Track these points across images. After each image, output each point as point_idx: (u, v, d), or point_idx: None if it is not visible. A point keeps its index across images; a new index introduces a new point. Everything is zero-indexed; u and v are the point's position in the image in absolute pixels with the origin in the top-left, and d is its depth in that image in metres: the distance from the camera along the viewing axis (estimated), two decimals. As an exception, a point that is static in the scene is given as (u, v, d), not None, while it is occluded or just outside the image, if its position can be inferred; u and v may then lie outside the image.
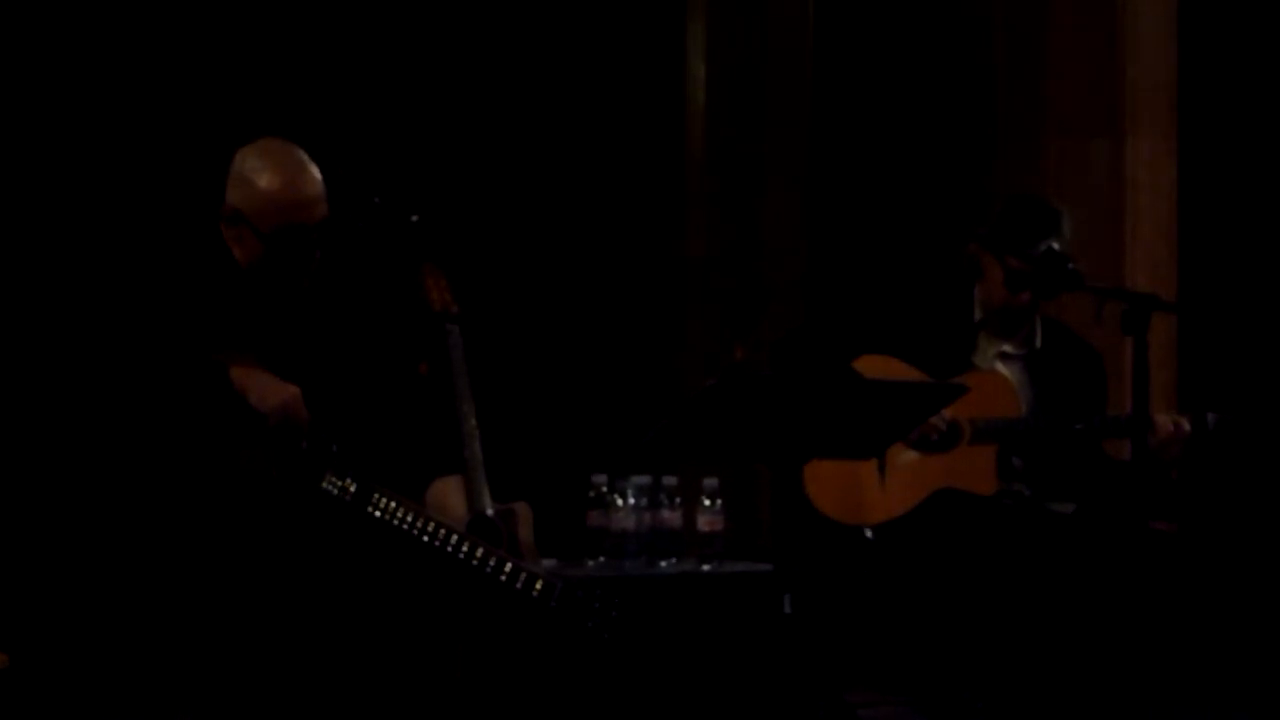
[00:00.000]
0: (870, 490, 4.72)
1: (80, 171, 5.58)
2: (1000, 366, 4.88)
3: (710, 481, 4.72)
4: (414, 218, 4.03)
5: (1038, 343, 4.91)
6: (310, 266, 4.00)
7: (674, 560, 4.65)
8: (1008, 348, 4.90)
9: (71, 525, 3.82)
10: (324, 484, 3.83)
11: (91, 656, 3.82)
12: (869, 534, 4.74)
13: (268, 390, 3.82)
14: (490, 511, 4.34)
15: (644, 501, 4.66)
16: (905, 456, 4.70)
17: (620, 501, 4.65)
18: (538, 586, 3.85)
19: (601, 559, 4.62)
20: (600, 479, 4.67)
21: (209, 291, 3.94)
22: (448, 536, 3.87)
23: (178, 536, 3.75)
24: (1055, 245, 4.70)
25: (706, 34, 6.92)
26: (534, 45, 6.59)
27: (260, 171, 3.97)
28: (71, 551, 3.82)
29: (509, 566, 3.87)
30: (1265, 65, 6.91)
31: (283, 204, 3.95)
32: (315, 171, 4.00)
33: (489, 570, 3.86)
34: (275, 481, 3.82)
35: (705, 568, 4.66)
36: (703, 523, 4.70)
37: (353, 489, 3.82)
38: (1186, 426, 4.68)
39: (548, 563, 4.48)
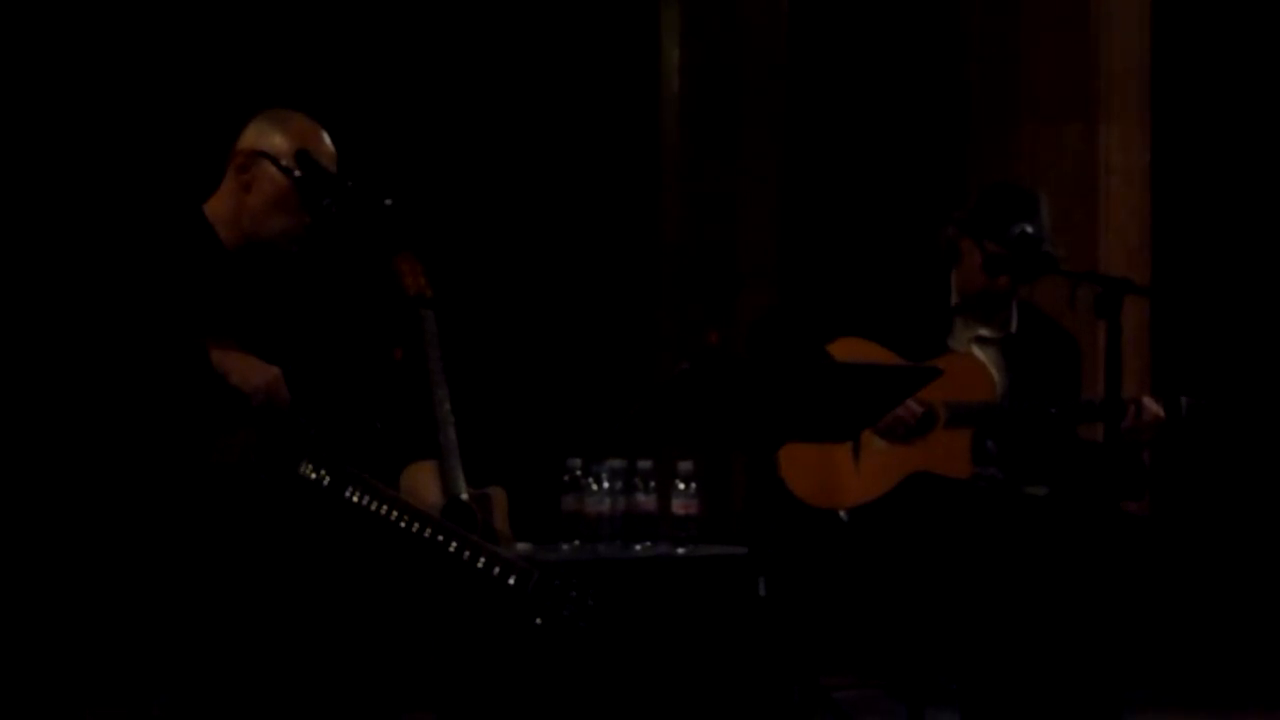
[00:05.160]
0: (845, 474, 4.73)
1: (60, 155, 5.56)
2: (976, 350, 4.88)
3: (685, 465, 4.73)
4: (388, 202, 4.02)
5: (1013, 327, 4.92)
6: (325, 219, 4.02)
7: (649, 544, 4.66)
8: (984, 332, 4.90)
9: (46, 509, 3.81)
10: (301, 469, 3.83)
11: (65, 642, 3.81)
12: (844, 517, 4.74)
13: (250, 370, 3.83)
14: (465, 496, 4.34)
15: (619, 485, 4.66)
16: (880, 440, 4.71)
17: (595, 485, 4.65)
18: (513, 574, 3.85)
19: (576, 543, 4.63)
20: (575, 463, 4.67)
21: (190, 273, 3.93)
22: (424, 523, 3.87)
23: (156, 520, 3.74)
24: (1029, 229, 4.71)
25: (681, 19, 6.92)
26: (508, 32, 6.58)
27: (291, 117, 4.03)
28: (45, 537, 3.80)
29: (484, 554, 3.87)
30: (1237, 50, 6.93)
31: (315, 145, 3.99)
32: None
33: (465, 558, 3.86)
34: (254, 465, 3.81)
35: (680, 551, 4.67)
36: (677, 506, 4.71)
37: (329, 475, 3.82)
38: (1160, 410, 4.70)
39: (522, 547, 4.48)
